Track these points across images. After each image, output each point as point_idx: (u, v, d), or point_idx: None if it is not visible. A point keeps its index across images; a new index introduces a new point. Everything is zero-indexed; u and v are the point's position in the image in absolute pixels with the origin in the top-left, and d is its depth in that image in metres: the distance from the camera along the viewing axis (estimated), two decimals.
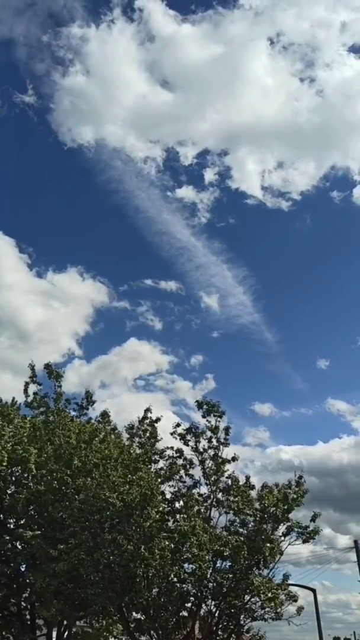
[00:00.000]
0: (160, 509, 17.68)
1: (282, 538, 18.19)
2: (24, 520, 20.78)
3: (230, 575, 17.45)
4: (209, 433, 19.90)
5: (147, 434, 20.50)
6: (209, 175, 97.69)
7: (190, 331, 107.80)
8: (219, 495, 19.30)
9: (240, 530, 18.22)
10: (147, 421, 20.79)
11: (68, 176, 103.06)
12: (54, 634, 22.57)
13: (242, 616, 18.09)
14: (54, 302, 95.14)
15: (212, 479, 19.42)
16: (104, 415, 23.60)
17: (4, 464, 20.68)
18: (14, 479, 21.82)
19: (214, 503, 19.30)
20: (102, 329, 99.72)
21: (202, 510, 19.08)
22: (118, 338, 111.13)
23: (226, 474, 19.52)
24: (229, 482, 19.32)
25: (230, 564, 17.60)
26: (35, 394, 23.10)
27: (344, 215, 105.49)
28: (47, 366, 22.90)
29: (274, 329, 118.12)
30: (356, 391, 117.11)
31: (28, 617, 22.77)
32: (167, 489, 19.33)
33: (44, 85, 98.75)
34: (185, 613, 18.50)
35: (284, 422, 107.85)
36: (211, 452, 19.78)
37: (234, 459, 19.81)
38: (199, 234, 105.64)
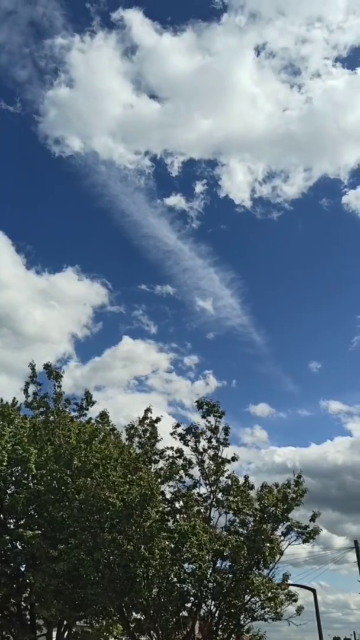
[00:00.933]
0: (160, 509, 17.69)
1: (282, 538, 18.22)
2: (24, 520, 20.78)
3: (230, 575, 17.48)
4: (208, 433, 19.92)
5: (147, 434, 20.51)
6: (197, 183, 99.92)
7: (183, 333, 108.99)
8: (219, 495, 19.32)
9: (240, 530, 18.23)
10: (147, 421, 20.80)
11: (56, 183, 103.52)
12: (54, 634, 22.54)
13: (242, 616, 18.11)
14: (50, 303, 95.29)
15: (212, 479, 19.43)
16: (103, 415, 23.59)
17: (4, 464, 20.67)
18: (14, 479, 21.81)
19: (213, 503, 19.31)
20: (97, 330, 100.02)
21: (201, 510, 19.11)
22: (113, 339, 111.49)
23: (226, 474, 19.54)
24: (229, 482, 19.33)
25: (230, 564, 17.63)
26: (35, 394, 23.11)
27: (333, 221, 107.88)
28: (47, 366, 22.91)
29: (263, 331, 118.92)
30: (348, 393, 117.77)
31: (28, 617, 22.75)
32: (167, 489, 19.37)
33: (29, 94, 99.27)
34: (185, 613, 18.51)
35: (277, 424, 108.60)
36: (211, 452, 19.80)
37: (233, 459, 19.82)
38: (185, 238, 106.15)
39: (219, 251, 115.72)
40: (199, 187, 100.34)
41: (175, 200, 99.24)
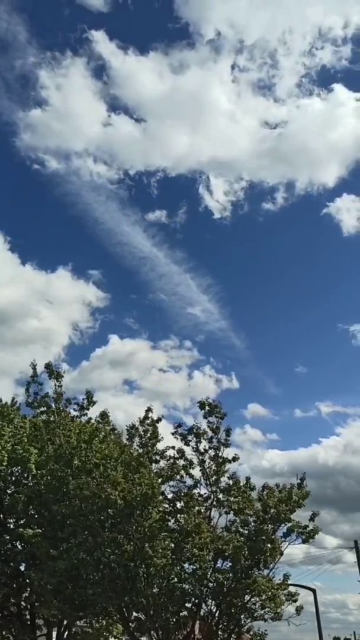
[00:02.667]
0: (161, 509, 17.71)
1: (283, 538, 18.28)
2: (24, 520, 20.78)
3: (231, 575, 17.52)
4: (210, 433, 19.96)
5: (149, 434, 20.52)
6: (177, 198, 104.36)
7: (167, 337, 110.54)
8: (220, 496, 19.35)
9: (241, 530, 18.27)
10: (149, 421, 20.82)
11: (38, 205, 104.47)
12: (54, 634, 22.56)
13: (242, 616, 18.16)
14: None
15: (213, 479, 19.47)
16: (103, 415, 23.59)
17: (4, 464, 20.67)
18: (13, 479, 21.81)
19: (214, 503, 19.35)
20: (83, 333, 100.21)
21: (202, 510, 19.13)
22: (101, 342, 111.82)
23: (227, 475, 19.58)
24: (230, 482, 19.37)
25: (230, 564, 17.67)
26: (36, 393, 23.13)
27: (312, 232, 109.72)
28: (48, 366, 22.92)
29: (243, 335, 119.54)
30: (332, 396, 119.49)
31: (28, 617, 22.75)
32: (168, 489, 19.40)
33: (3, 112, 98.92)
34: (185, 613, 18.54)
35: (261, 426, 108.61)
36: (212, 452, 19.84)
37: (234, 459, 19.88)
38: (160, 245, 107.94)
39: (193, 257, 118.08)
40: (178, 202, 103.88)
41: (156, 216, 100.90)
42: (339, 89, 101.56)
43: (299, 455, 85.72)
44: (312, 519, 18.73)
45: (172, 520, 18.32)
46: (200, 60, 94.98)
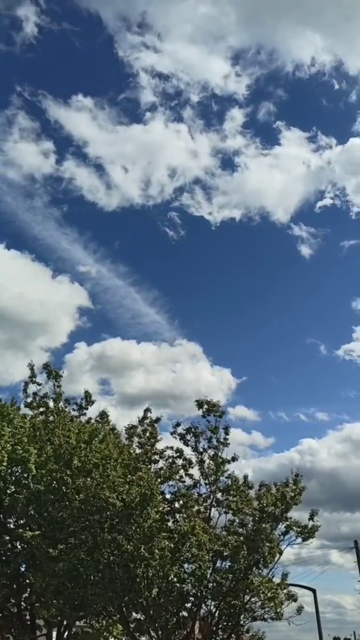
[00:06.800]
0: (160, 509, 17.68)
1: (282, 537, 18.23)
2: (23, 520, 20.75)
3: (230, 575, 17.48)
4: (208, 433, 19.92)
5: (147, 434, 20.49)
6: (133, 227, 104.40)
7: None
8: (219, 495, 19.32)
9: (240, 530, 18.23)
10: (147, 421, 20.79)
11: None
12: (54, 634, 22.53)
13: (242, 616, 18.12)
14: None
15: (212, 478, 19.43)
16: (103, 415, 23.59)
17: (4, 464, 20.63)
18: (13, 479, 21.76)
19: (213, 503, 19.31)
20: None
21: (201, 510, 19.10)
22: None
23: (226, 474, 19.54)
24: (229, 481, 19.32)
25: (230, 564, 17.63)
26: (34, 393, 23.11)
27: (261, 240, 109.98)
28: (46, 366, 22.93)
29: (198, 345, 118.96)
30: (297, 406, 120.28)
31: (28, 617, 22.72)
32: (167, 489, 19.37)
33: None
34: (185, 613, 18.50)
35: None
36: (211, 452, 19.80)
37: (233, 458, 19.85)
38: (103, 260, 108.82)
39: (137, 270, 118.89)
40: (129, 229, 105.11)
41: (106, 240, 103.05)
42: (285, 128, 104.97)
43: (272, 460, 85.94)
44: (311, 517, 18.67)
45: (171, 521, 18.29)
46: (144, 102, 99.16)
